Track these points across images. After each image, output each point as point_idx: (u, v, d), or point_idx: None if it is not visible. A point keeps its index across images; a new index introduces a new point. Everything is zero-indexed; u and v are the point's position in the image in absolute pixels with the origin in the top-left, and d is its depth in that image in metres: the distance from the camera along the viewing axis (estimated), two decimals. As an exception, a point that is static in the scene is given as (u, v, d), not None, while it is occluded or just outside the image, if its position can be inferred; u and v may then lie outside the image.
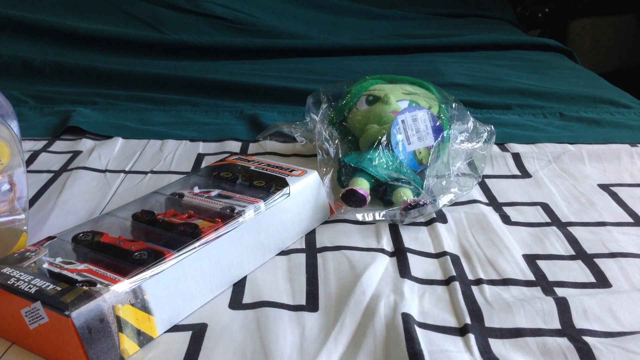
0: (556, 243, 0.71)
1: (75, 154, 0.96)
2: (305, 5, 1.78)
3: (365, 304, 0.58)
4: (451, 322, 0.57)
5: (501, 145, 0.99)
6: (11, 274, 0.53)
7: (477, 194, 0.82)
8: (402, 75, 0.94)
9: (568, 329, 0.55)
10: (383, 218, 0.74)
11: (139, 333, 0.53)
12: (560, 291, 0.62)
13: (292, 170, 0.74)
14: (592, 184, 0.85)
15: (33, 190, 0.83)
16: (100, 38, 1.48)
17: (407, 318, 0.55)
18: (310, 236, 0.72)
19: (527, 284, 0.63)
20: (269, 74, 1.33)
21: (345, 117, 0.88)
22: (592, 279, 0.64)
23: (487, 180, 0.87)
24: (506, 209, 0.79)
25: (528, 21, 2.25)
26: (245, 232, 0.63)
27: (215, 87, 1.26)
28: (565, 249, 0.70)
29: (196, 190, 0.71)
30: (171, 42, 1.49)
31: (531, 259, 0.67)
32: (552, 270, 0.65)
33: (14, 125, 0.70)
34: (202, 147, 0.99)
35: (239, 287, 0.62)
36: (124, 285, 0.52)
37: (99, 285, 0.52)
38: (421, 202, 0.73)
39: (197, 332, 0.56)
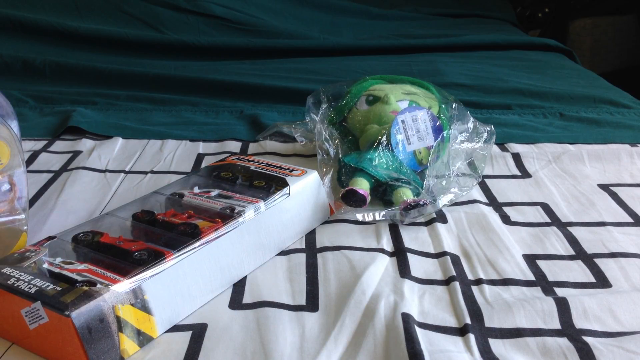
0: (556, 243, 0.71)
1: (75, 154, 0.96)
2: (305, 5, 1.78)
3: (365, 304, 0.58)
4: (451, 322, 0.57)
5: (501, 145, 0.99)
6: (11, 274, 0.53)
7: (477, 194, 0.82)
8: (402, 75, 0.94)
9: (568, 329, 0.55)
10: (383, 218, 0.74)
11: (139, 333, 0.53)
12: (560, 291, 0.62)
13: (292, 170, 0.74)
14: (592, 184, 0.85)
15: (33, 190, 0.83)
16: (100, 38, 1.48)
17: (407, 318, 0.55)
18: (310, 236, 0.72)
19: (527, 284, 0.63)
20: (269, 74, 1.33)
21: (345, 117, 0.88)
22: (592, 279, 0.64)
23: (487, 180, 0.87)
24: (506, 209, 0.79)
25: (528, 21, 2.25)
26: (245, 232, 0.63)
27: (215, 87, 1.26)
28: (565, 249, 0.70)
29: (196, 190, 0.71)
30: (171, 42, 1.49)
31: (531, 259, 0.67)
32: (552, 270, 0.65)
33: (14, 125, 0.70)
34: (202, 147, 0.99)
35: (239, 287, 0.62)
36: (124, 285, 0.52)
37: (99, 285, 0.52)
38: (421, 202, 0.73)
39: (197, 332, 0.56)
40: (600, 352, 0.52)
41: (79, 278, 0.53)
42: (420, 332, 0.54)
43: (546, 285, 0.62)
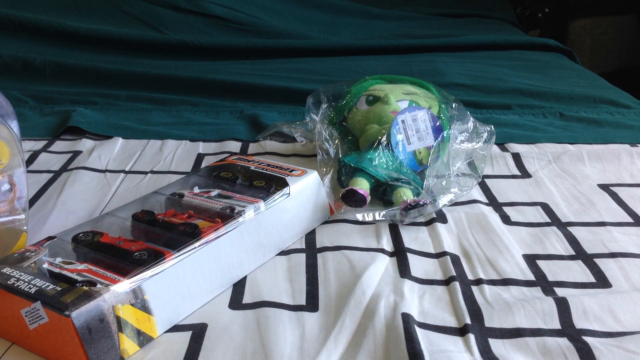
0: (556, 243, 0.71)
1: (75, 154, 0.96)
2: (305, 5, 1.78)
3: (365, 304, 0.58)
4: (451, 322, 0.57)
5: (501, 145, 0.99)
6: (11, 274, 0.53)
7: (477, 194, 0.82)
8: (402, 75, 0.94)
9: (568, 329, 0.55)
10: (383, 218, 0.74)
11: (139, 333, 0.53)
12: (560, 291, 0.62)
13: (292, 170, 0.74)
14: (592, 184, 0.85)
15: (33, 190, 0.83)
16: (100, 38, 1.48)
17: (407, 318, 0.55)
18: (310, 236, 0.72)
19: (527, 284, 0.63)
20: (269, 74, 1.33)
21: (345, 117, 0.88)
22: (592, 279, 0.64)
23: (487, 180, 0.87)
24: (506, 209, 0.79)
25: (528, 21, 2.25)
26: (245, 232, 0.63)
27: (215, 87, 1.26)
28: (565, 249, 0.70)
29: (196, 190, 0.71)
30: (171, 42, 1.49)
31: (531, 259, 0.67)
32: (552, 270, 0.65)
33: (14, 125, 0.70)
34: (202, 147, 0.99)
35: (239, 287, 0.62)
36: (124, 285, 0.52)
37: (99, 285, 0.52)
38: (421, 202, 0.73)
39: (197, 332, 0.56)
40: (600, 352, 0.52)
41: (79, 278, 0.53)
42: (420, 332, 0.54)
43: (546, 285, 0.62)
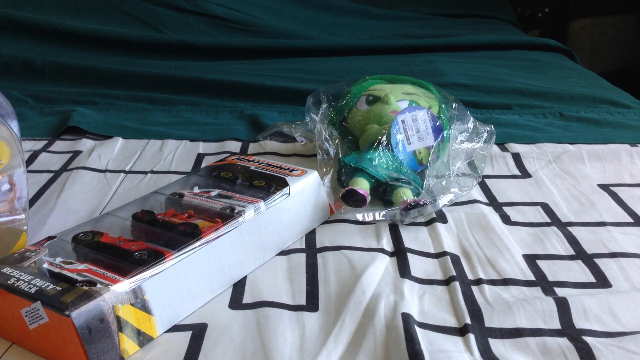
0: (556, 243, 0.71)
1: (75, 154, 0.96)
2: (305, 5, 1.78)
3: (365, 304, 0.58)
4: (451, 322, 0.57)
5: (501, 145, 0.99)
6: (11, 274, 0.53)
7: (477, 194, 0.82)
8: (402, 75, 0.94)
9: (568, 329, 0.55)
10: (383, 218, 0.74)
11: (139, 333, 0.53)
12: (560, 291, 0.62)
13: (292, 170, 0.74)
14: (592, 184, 0.85)
15: (33, 190, 0.83)
16: (100, 38, 1.48)
17: (407, 318, 0.55)
18: (310, 236, 0.72)
19: (527, 284, 0.63)
20: (269, 74, 1.33)
21: (345, 117, 0.88)
22: (592, 279, 0.64)
23: (487, 180, 0.87)
24: (506, 209, 0.79)
25: (528, 21, 2.25)
26: (245, 232, 0.63)
27: (215, 87, 1.26)
28: (565, 249, 0.70)
29: (196, 190, 0.71)
30: (171, 42, 1.49)
31: (531, 259, 0.67)
32: (552, 270, 0.65)
33: (14, 125, 0.70)
34: (202, 147, 0.99)
35: (239, 287, 0.62)
36: (124, 285, 0.52)
37: (99, 285, 0.52)
38: (421, 202, 0.73)
39: (197, 332, 0.56)
40: (600, 352, 0.52)
41: (79, 278, 0.53)
42: (420, 332, 0.54)
43: (546, 285, 0.62)
